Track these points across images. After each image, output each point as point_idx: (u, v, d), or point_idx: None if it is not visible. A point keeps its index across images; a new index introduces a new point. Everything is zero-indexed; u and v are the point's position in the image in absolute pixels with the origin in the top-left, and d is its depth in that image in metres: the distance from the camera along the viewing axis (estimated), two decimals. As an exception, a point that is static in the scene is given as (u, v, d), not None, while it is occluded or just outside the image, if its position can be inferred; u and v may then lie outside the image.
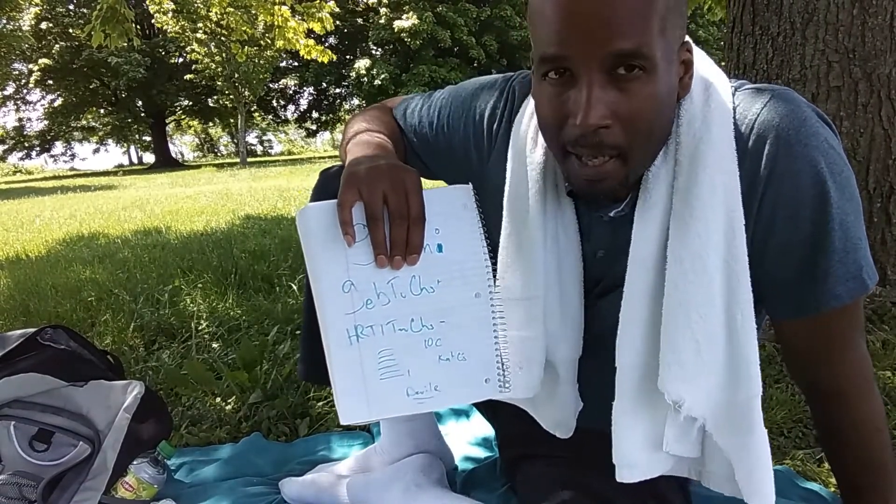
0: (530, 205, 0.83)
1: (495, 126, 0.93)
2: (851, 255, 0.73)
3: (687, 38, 0.74)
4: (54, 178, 25.00)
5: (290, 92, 34.79)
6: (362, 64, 25.42)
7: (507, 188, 0.87)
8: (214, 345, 2.12)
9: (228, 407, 1.65)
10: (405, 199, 0.75)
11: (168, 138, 38.22)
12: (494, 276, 0.82)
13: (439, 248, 0.80)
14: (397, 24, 23.20)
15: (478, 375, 0.82)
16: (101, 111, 32.88)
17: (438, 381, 0.81)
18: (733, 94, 0.76)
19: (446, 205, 0.81)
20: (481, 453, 1.37)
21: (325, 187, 0.97)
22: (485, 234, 0.82)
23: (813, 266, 0.74)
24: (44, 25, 27.13)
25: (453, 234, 0.81)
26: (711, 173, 0.72)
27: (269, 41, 17.00)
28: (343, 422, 0.78)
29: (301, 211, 0.78)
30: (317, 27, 8.07)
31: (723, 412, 0.76)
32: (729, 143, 0.72)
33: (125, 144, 44.01)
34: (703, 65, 0.78)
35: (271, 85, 29.97)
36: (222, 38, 19.32)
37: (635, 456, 0.80)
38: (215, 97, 29.30)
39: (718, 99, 0.74)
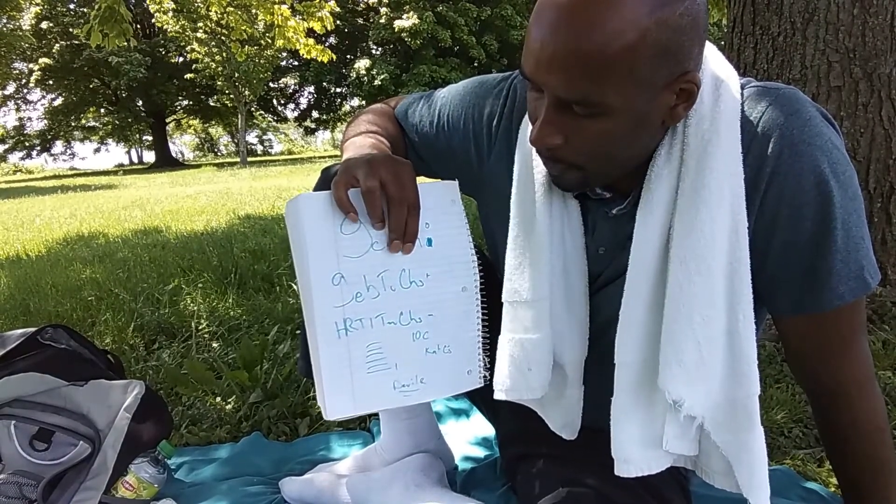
0: (537, 207, 0.83)
1: (494, 123, 0.93)
2: (853, 255, 0.73)
3: (701, 61, 0.71)
4: (54, 177, 25.04)
5: (291, 91, 34.80)
6: (362, 63, 25.42)
7: (513, 191, 0.87)
8: (214, 344, 2.12)
9: (228, 406, 1.65)
10: (402, 186, 0.76)
11: (168, 138, 38.21)
12: (479, 271, 0.83)
13: (429, 241, 0.81)
14: (398, 23, 23.18)
15: (461, 367, 0.83)
16: (102, 111, 32.89)
17: (424, 374, 0.81)
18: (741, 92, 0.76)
19: (435, 199, 0.82)
20: (481, 453, 1.37)
21: (327, 185, 0.96)
22: (469, 229, 0.84)
23: (815, 265, 0.74)
24: (44, 25, 27.14)
25: (442, 229, 0.82)
26: (719, 177, 0.71)
27: (269, 41, 16.96)
28: (328, 417, 0.78)
29: (291, 201, 0.78)
30: (317, 26, 8.05)
31: (722, 411, 0.76)
32: (736, 146, 0.72)
33: (125, 144, 43.98)
34: (716, 61, 0.77)
35: (271, 84, 29.96)
36: (222, 38, 19.32)
37: (633, 451, 0.79)
38: (215, 97, 29.32)
39: (728, 99, 0.74)
